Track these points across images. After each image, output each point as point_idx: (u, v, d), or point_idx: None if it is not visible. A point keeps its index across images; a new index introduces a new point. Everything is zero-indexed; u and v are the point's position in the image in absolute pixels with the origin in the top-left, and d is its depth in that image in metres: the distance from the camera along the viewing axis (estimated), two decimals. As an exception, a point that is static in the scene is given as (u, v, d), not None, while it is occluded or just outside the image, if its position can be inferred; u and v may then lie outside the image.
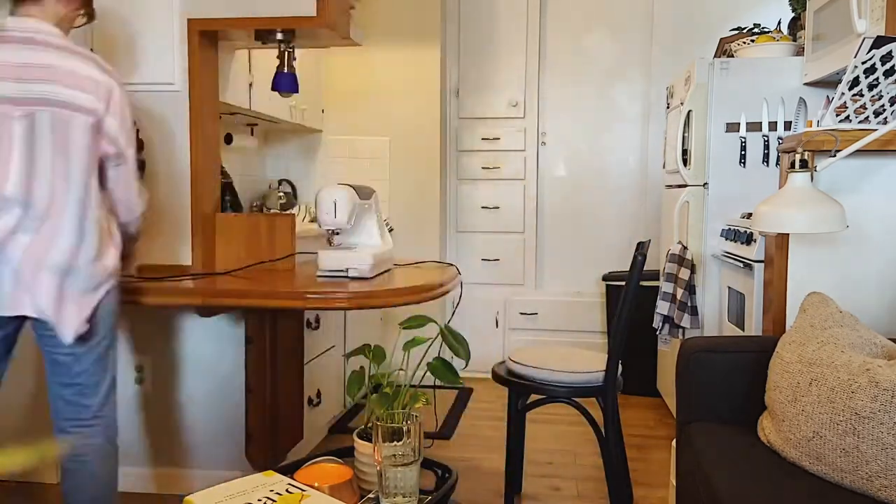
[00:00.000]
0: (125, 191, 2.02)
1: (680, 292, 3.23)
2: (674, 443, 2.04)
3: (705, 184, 3.25)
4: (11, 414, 2.74)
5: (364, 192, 2.46)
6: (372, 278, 2.35)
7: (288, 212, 3.76)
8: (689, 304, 3.22)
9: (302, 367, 2.85)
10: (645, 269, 4.15)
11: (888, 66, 1.83)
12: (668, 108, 3.87)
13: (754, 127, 3.16)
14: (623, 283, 4.03)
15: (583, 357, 2.56)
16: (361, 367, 1.96)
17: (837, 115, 1.93)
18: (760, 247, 2.60)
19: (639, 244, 2.56)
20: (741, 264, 2.83)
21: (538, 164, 4.45)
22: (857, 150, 1.86)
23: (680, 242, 3.35)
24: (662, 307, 3.29)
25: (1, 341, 1.94)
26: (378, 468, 1.56)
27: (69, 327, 1.84)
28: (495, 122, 4.46)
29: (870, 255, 2.02)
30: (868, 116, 1.90)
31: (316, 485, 1.53)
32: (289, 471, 1.65)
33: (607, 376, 2.42)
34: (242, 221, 2.59)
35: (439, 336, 1.97)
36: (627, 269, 4.23)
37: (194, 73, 2.55)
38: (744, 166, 3.18)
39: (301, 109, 3.83)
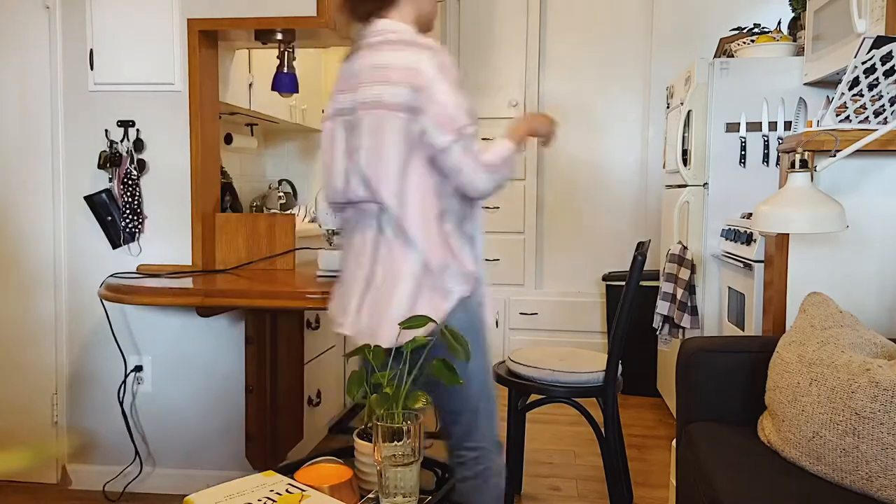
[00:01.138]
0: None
1: (680, 292, 3.23)
2: (674, 443, 2.04)
3: (705, 184, 3.25)
4: (11, 414, 2.74)
5: (364, 192, 2.46)
6: (372, 278, 2.34)
7: (288, 212, 3.76)
8: (689, 304, 3.22)
9: (302, 367, 2.85)
10: (645, 268, 4.18)
11: (888, 66, 1.83)
12: (668, 108, 3.87)
13: (754, 127, 3.16)
14: (623, 282, 4.04)
15: (582, 357, 2.56)
16: (361, 367, 1.96)
17: (837, 115, 1.93)
18: (760, 247, 2.60)
19: (639, 244, 2.57)
20: (741, 264, 2.82)
21: (538, 164, 4.45)
22: (857, 150, 1.86)
23: (680, 242, 3.35)
24: (662, 307, 3.29)
25: None
26: (378, 468, 1.56)
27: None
28: (495, 122, 4.45)
29: (870, 255, 2.02)
30: (868, 116, 1.90)
31: (316, 485, 1.53)
32: (289, 471, 1.65)
33: (607, 376, 2.42)
34: (242, 221, 2.59)
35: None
36: (627, 269, 4.24)
37: (194, 73, 2.55)
38: (744, 166, 3.18)
39: (301, 109, 3.83)
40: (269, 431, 2.60)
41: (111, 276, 2.49)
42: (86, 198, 2.64)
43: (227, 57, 2.93)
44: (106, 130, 2.63)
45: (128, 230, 2.63)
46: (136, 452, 2.67)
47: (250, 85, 3.18)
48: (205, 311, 2.43)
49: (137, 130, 2.63)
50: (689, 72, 3.38)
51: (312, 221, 3.61)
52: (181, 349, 2.68)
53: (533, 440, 3.30)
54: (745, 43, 3.28)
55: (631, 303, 2.47)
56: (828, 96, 2.57)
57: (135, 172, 2.62)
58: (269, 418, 2.59)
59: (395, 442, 1.55)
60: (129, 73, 2.61)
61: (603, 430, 2.45)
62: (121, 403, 2.66)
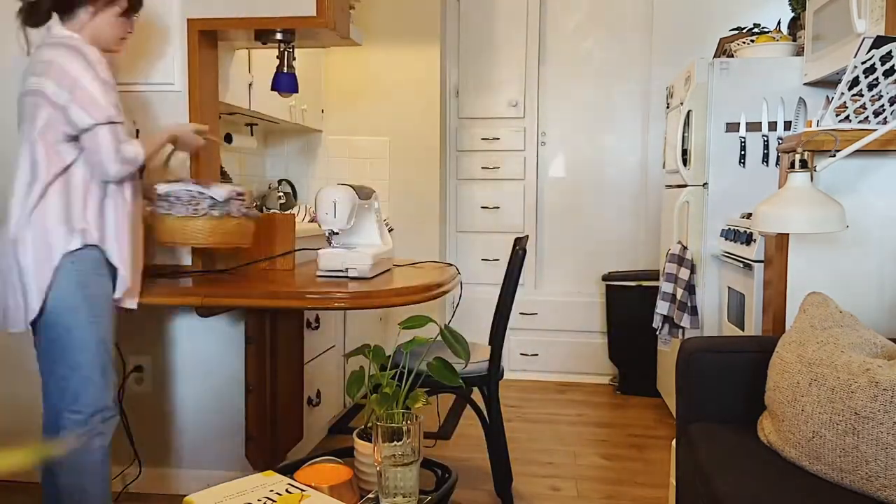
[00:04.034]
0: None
1: (680, 292, 3.23)
2: (674, 443, 2.04)
3: (705, 184, 3.25)
4: (11, 413, 2.74)
5: (364, 192, 2.46)
6: (372, 278, 2.35)
7: (288, 212, 3.76)
8: (688, 304, 3.22)
9: (302, 367, 2.85)
10: (645, 268, 4.19)
11: (888, 66, 1.83)
12: (668, 108, 3.87)
13: (754, 127, 3.16)
14: (623, 283, 4.05)
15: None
16: (361, 367, 1.96)
17: (837, 115, 1.93)
18: (760, 247, 2.61)
19: (517, 239, 2.67)
20: (741, 264, 2.83)
21: (538, 164, 4.45)
22: (857, 150, 1.86)
23: (680, 242, 3.35)
24: (662, 307, 3.29)
25: None
26: (378, 468, 1.56)
27: None
28: (495, 122, 4.45)
29: (869, 255, 2.02)
30: (868, 116, 1.90)
31: (316, 485, 1.53)
32: (289, 471, 1.66)
33: (490, 367, 2.52)
34: (242, 221, 2.59)
35: (439, 336, 1.97)
36: (627, 269, 4.26)
37: (194, 73, 2.55)
38: (744, 166, 3.18)
39: (301, 109, 3.83)
40: (269, 431, 2.60)
41: (111, 276, 2.49)
42: (86, 198, 2.64)
43: (227, 57, 2.93)
44: (106, 130, 2.63)
45: (128, 230, 2.62)
46: (136, 452, 2.67)
47: (250, 85, 3.18)
48: (205, 311, 2.42)
49: (137, 130, 2.63)
50: (689, 72, 3.38)
51: (312, 221, 3.61)
52: (181, 349, 2.68)
53: (533, 440, 3.31)
54: (744, 43, 3.28)
55: (512, 295, 2.60)
56: (827, 96, 2.57)
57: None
58: (269, 418, 2.59)
59: (395, 442, 1.55)
60: (129, 73, 2.61)
61: (487, 417, 2.56)
62: (121, 403, 2.66)
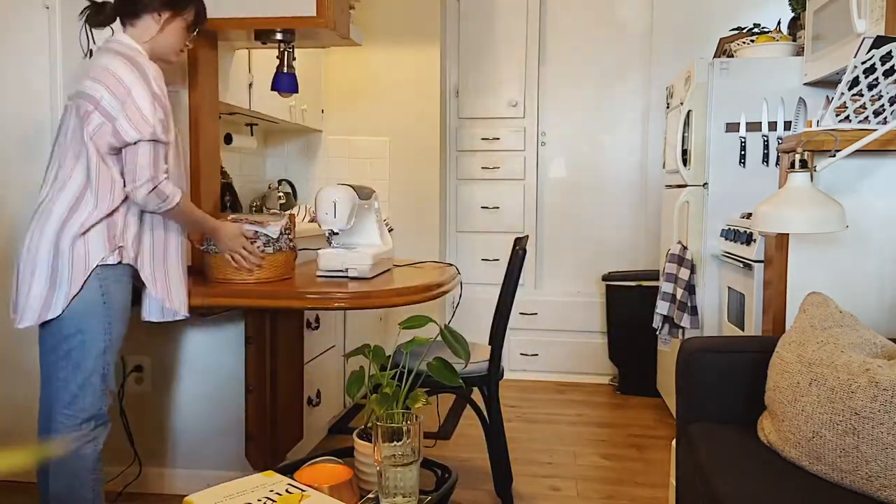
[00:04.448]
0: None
1: (680, 292, 3.23)
2: (674, 443, 2.04)
3: (705, 184, 3.25)
4: (11, 414, 2.74)
5: (364, 192, 2.46)
6: (372, 278, 2.35)
7: (288, 212, 3.76)
8: (688, 304, 3.22)
9: (302, 367, 2.85)
10: (645, 268, 4.19)
11: (888, 66, 1.83)
12: (668, 108, 3.87)
13: (754, 127, 3.16)
14: (623, 283, 4.05)
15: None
16: (361, 367, 1.96)
17: (837, 115, 1.93)
18: (760, 247, 2.61)
19: (517, 239, 2.67)
20: (741, 264, 2.83)
21: (538, 164, 4.45)
22: (857, 150, 1.86)
23: (680, 242, 3.35)
24: (662, 307, 3.29)
25: None
26: (378, 468, 1.56)
27: None
28: (495, 122, 4.45)
29: (869, 255, 2.02)
30: (868, 116, 1.90)
31: (316, 485, 1.53)
32: (289, 471, 1.66)
33: (490, 366, 2.52)
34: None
35: (439, 336, 1.97)
36: (627, 269, 4.26)
37: (194, 73, 2.55)
38: (744, 166, 3.18)
39: (301, 109, 3.83)
40: (269, 431, 2.60)
41: (111, 276, 2.49)
42: (86, 198, 2.64)
43: (227, 57, 2.93)
44: (106, 130, 2.63)
45: (128, 230, 2.62)
46: (136, 452, 2.67)
47: (250, 85, 3.18)
48: (205, 311, 2.42)
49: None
50: (689, 72, 3.38)
51: (312, 221, 3.61)
52: (181, 349, 2.68)
53: (533, 440, 3.30)
54: (744, 43, 3.28)
55: (512, 295, 2.60)
56: (827, 96, 2.57)
57: (135, 172, 2.61)
58: (269, 418, 2.59)
59: (395, 442, 1.55)
60: (129, 73, 2.61)
61: (487, 417, 2.55)
62: (121, 403, 2.66)
